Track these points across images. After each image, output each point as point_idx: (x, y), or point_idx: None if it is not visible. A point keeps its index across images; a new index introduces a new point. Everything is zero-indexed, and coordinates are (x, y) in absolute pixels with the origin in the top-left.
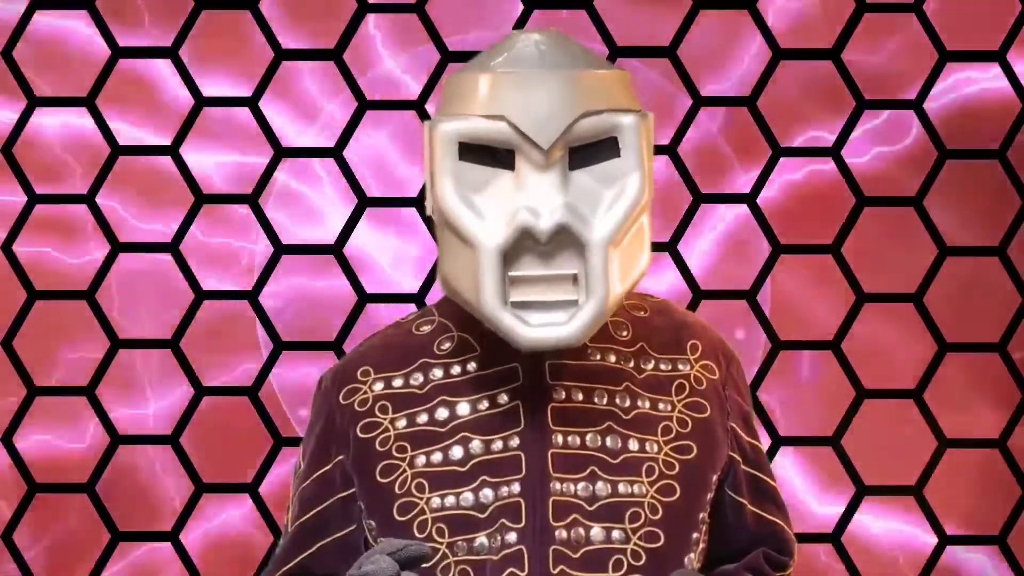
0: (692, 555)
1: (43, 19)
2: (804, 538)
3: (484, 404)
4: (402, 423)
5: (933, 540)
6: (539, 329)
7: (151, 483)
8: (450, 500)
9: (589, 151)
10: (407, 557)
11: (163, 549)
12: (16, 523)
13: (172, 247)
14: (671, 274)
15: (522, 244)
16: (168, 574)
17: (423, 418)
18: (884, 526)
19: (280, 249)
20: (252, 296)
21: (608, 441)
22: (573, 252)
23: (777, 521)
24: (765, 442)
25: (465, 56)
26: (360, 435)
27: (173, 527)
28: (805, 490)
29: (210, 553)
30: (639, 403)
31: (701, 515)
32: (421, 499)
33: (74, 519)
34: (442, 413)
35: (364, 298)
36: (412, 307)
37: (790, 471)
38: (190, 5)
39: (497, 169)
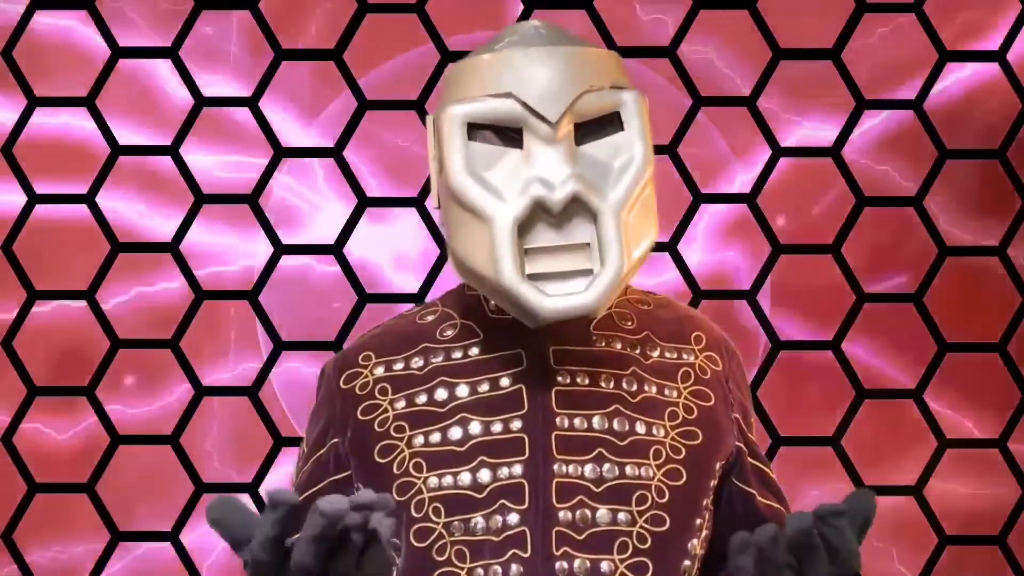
0: (695, 540)
1: (43, 19)
2: None
3: (485, 387)
4: (401, 404)
5: (933, 540)
6: (558, 299)
7: (151, 483)
8: (447, 480)
9: (594, 126)
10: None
11: (163, 549)
12: (16, 523)
13: (172, 247)
14: (671, 274)
15: (535, 216)
16: (168, 574)
17: (422, 399)
18: (884, 526)
19: (280, 249)
20: (252, 296)
21: (615, 424)
22: (585, 221)
23: (782, 510)
24: (764, 442)
25: (465, 56)
26: (360, 417)
27: (173, 527)
28: (805, 490)
29: (210, 553)
30: (646, 388)
31: (705, 501)
32: (419, 479)
33: (74, 519)
34: (441, 394)
35: (364, 298)
36: (412, 306)
37: (790, 471)
38: (190, 5)
39: (506, 148)
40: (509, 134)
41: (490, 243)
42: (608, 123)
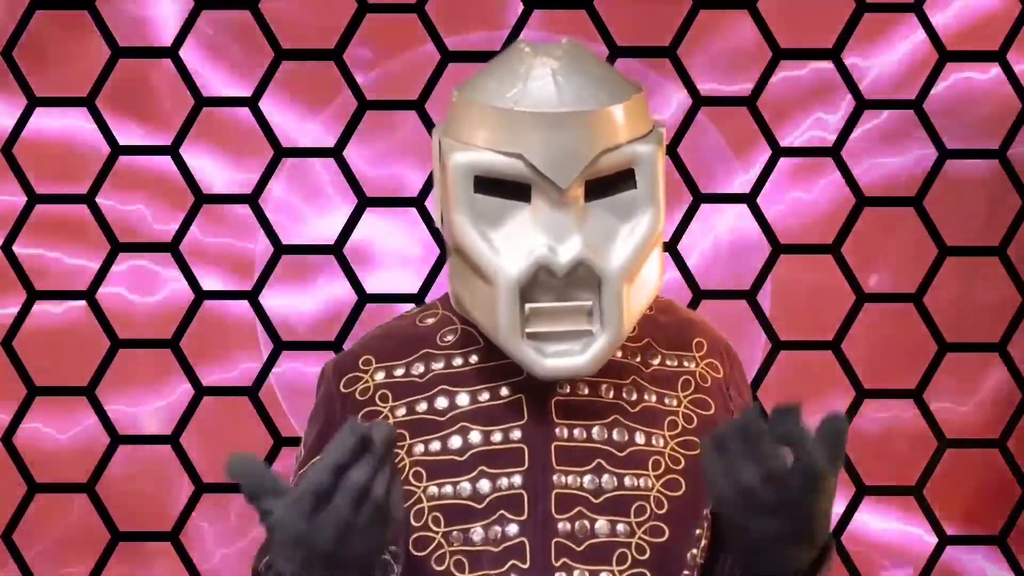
0: (695, 550)
1: (43, 19)
2: None
3: (485, 396)
4: (401, 411)
5: (933, 540)
6: (555, 360)
7: (151, 483)
8: (447, 489)
9: (606, 182)
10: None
11: (163, 549)
12: (16, 523)
13: (172, 247)
14: (671, 274)
15: (539, 277)
16: (168, 574)
17: (423, 407)
18: (884, 526)
19: (280, 249)
20: (252, 296)
21: (615, 434)
22: (588, 284)
23: None
24: None
25: (465, 56)
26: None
27: (173, 527)
28: None
29: (210, 553)
30: (645, 397)
31: (704, 511)
32: (418, 487)
33: (74, 519)
34: (442, 402)
35: (364, 298)
36: (412, 306)
37: None
38: (190, 5)
39: (513, 201)
40: (517, 187)
41: (491, 302)
42: (621, 179)
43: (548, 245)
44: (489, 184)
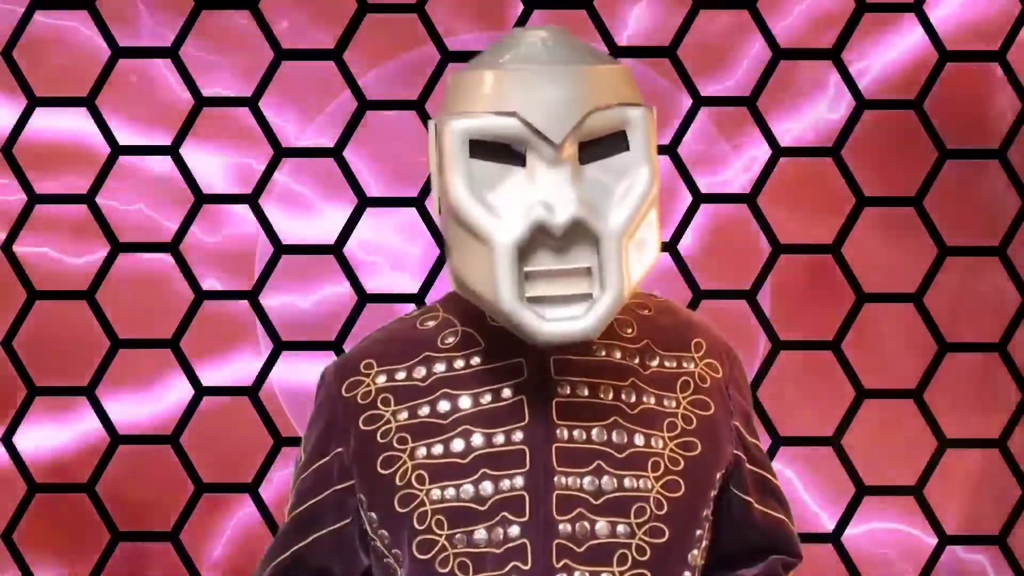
0: (696, 551)
1: (43, 19)
2: (804, 538)
3: (487, 398)
4: (403, 415)
5: (933, 540)
6: (556, 324)
7: (151, 483)
8: (450, 492)
9: (599, 145)
10: None
11: (163, 549)
12: (16, 523)
13: (172, 247)
14: (671, 274)
15: (536, 239)
16: (168, 574)
17: (425, 410)
18: (884, 526)
19: (280, 249)
20: (252, 296)
21: (614, 436)
22: (587, 245)
23: (783, 518)
24: (765, 442)
25: (465, 56)
26: (362, 427)
27: (173, 527)
28: (805, 490)
29: (210, 553)
30: (644, 399)
31: (705, 512)
32: (421, 491)
33: (74, 519)
34: (444, 406)
35: (364, 298)
36: (412, 307)
37: (790, 471)
38: (190, 5)
39: (508, 165)
40: (512, 152)
41: (490, 266)
42: (614, 142)
43: (544, 204)
44: (485, 148)
